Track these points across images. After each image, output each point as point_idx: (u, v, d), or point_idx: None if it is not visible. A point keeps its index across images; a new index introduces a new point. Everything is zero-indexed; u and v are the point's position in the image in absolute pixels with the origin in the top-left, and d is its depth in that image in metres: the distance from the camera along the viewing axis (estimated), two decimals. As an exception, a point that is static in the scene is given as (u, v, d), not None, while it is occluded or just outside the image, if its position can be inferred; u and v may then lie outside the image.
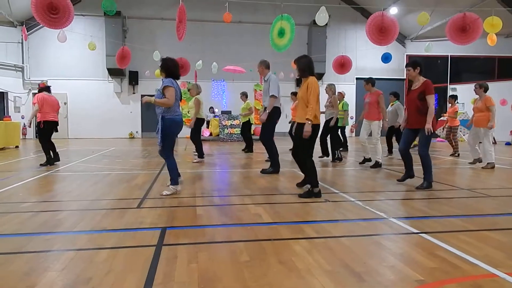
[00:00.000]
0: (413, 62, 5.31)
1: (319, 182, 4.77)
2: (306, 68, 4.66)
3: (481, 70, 20.21)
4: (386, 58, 14.90)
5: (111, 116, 18.17)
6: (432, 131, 5.06)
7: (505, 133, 15.46)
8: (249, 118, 10.75)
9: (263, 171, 6.65)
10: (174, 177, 4.84)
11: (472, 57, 19.53)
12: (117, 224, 3.43)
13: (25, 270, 2.38)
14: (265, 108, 6.56)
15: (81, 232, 3.20)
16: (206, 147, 12.82)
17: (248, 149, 10.59)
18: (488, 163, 7.52)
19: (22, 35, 16.84)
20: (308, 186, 4.69)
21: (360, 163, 7.81)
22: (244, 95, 11.12)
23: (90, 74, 17.97)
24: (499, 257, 2.62)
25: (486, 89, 7.56)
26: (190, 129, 8.28)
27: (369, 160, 7.70)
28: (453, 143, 9.98)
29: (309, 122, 4.45)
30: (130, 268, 2.43)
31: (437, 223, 3.49)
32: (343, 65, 13.92)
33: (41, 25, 7.98)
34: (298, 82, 18.99)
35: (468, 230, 3.28)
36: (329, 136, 8.61)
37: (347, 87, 19.13)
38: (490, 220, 3.64)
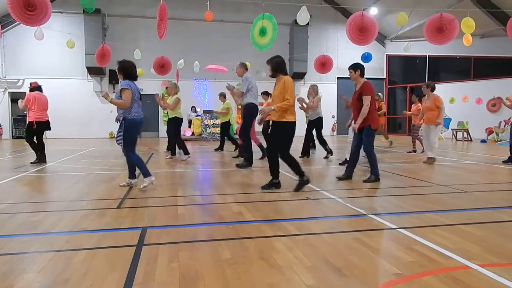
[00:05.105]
0: (354, 64, 5.58)
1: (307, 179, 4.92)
2: (279, 67, 4.80)
3: (457, 70, 20.73)
4: (366, 57, 15.07)
5: (90, 115, 17.81)
6: (372, 129, 5.42)
7: (481, 131, 15.90)
8: (229, 119, 10.67)
9: (238, 166, 7.11)
10: (143, 170, 4.94)
11: (449, 57, 20.02)
12: (97, 224, 3.38)
13: (2, 272, 2.32)
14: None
15: (59, 233, 3.14)
16: (188, 146, 12.70)
17: (220, 147, 10.86)
18: (429, 157, 7.78)
19: (-3, 32, 16.37)
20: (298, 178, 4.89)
21: (340, 164, 7.52)
22: (223, 96, 11.03)
23: (68, 73, 17.58)
24: (474, 250, 2.70)
25: (433, 89, 7.86)
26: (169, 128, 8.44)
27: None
28: (413, 140, 10.23)
29: (273, 108, 4.68)
30: (110, 268, 2.40)
31: (414, 218, 3.58)
32: (324, 65, 14.02)
33: (18, 22, 7.78)
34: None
35: (445, 224, 3.38)
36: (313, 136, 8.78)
37: (329, 87, 19.34)
38: (465, 215, 3.75)
